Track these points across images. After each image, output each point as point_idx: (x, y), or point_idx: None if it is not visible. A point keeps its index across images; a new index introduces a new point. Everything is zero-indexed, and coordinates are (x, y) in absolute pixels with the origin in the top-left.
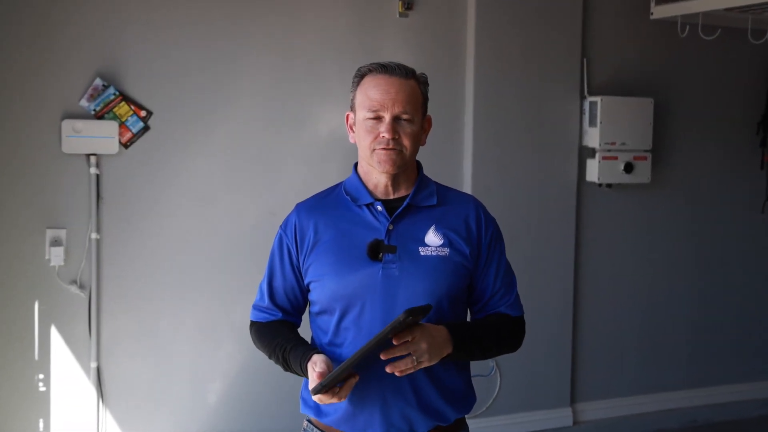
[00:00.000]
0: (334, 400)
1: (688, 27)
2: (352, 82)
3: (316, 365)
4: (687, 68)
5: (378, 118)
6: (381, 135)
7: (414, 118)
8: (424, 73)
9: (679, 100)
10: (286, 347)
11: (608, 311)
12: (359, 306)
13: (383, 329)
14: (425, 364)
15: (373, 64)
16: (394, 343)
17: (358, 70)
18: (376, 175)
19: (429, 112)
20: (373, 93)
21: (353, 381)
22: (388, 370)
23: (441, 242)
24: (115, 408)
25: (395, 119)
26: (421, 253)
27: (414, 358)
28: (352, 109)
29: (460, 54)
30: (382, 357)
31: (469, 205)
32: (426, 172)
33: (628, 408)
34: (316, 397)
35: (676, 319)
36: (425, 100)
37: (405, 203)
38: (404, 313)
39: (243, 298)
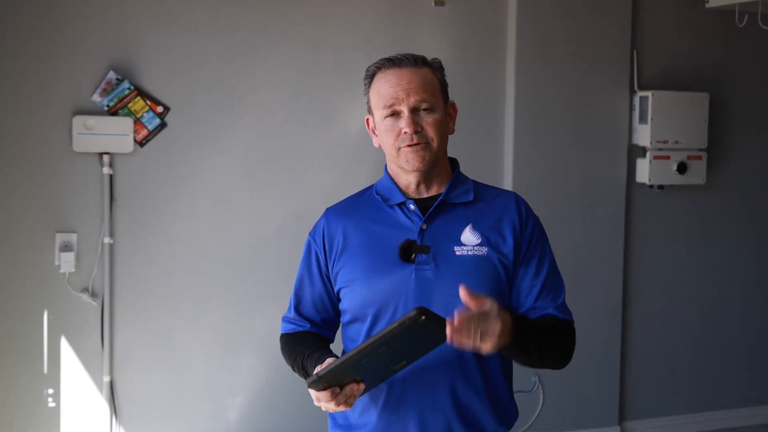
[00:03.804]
0: (332, 405)
1: (746, 16)
2: (364, 84)
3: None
4: (745, 61)
5: (396, 114)
6: (403, 131)
7: (434, 105)
8: (437, 59)
9: (737, 94)
10: (305, 354)
11: (660, 322)
12: (392, 311)
13: (390, 325)
14: (486, 349)
15: (380, 60)
16: (472, 306)
17: (367, 70)
18: (406, 175)
19: (466, 107)
20: (384, 89)
21: (356, 388)
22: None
23: (478, 241)
24: (129, 424)
25: (414, 111)
26: (457, 253)
27: (478, 336)
28: (370, 111)
29: (500, 45)
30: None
31: (509, 200)
32: (463, 171)
33: (683, 427)
34: (314, 399)
35: (735, 331)
36: (444, 85)
37: (439, 200)
38: (417, 311)
39: (265, 306)
